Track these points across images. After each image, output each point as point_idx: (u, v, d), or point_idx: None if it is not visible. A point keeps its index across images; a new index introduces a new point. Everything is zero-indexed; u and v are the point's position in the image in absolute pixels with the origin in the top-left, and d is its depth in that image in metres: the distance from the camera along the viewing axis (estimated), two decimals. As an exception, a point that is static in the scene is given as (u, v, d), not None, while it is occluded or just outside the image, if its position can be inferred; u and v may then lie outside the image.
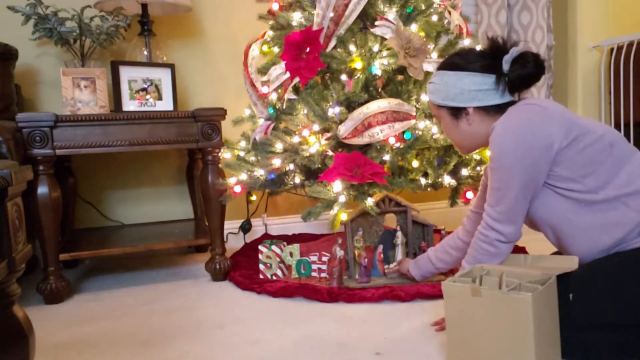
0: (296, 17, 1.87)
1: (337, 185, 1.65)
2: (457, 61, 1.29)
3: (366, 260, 1.71)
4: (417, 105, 1.78)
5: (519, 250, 2.06)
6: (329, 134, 1.74)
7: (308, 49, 1.75)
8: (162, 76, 1.93)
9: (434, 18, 1.89)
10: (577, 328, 1.12)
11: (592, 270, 1.14)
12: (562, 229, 1.21)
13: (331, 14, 1.73)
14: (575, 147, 1.15)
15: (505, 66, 1.23)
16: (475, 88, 1.25)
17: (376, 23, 1.76)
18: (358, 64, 1.75)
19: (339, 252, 1.72)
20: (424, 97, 1.78)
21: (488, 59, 1.26)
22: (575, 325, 1.11)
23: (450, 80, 1.29)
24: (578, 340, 1.12)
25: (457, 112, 1.30)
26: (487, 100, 1.26)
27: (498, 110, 1.26)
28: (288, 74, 1.79)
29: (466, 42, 1.93)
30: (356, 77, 1.76)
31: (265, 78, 1.91)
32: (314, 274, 1.82)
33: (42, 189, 1.67)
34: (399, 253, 1.77)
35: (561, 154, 1.16)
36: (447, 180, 1.79)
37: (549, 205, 1.20)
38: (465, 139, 1.33)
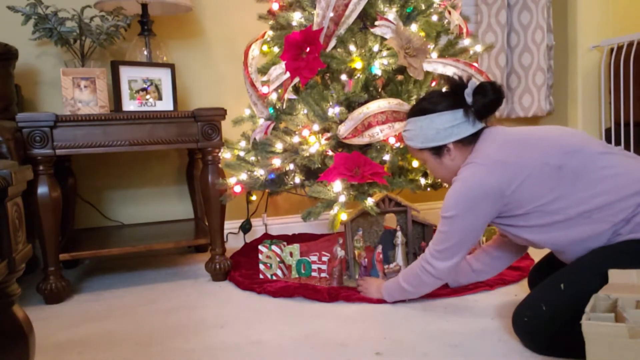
0: (296, 17, 1.87)
1: (337, 185, 1.65)
2: (425, 106, 1.42)
3: (366, 260, 1.71)
4: (417, 105, 1.77)
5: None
6: (329, 134, 1.74)
7: (308, 49, 1.75)
8: (162, 76, 1.93)
9: (434, 18, 1.89)
10: (570, 316, 1.13)
11: (579, 263, 1.22)
12: (550, 249, 1.31)
13: (331, 14, 1.73)
14: (521, 189, 1.25)
15: (468, 99, 1.36)
16: (449, 125, 1.37)
17: (376, 23, 1.76)
18: (358, 64, 1.75)
19: (340, 252, 1.72)
20: (424, 97, 1.78)
21: (451, 97, 1.39)
22: (567, 312, 1.14)
23: (424, 124, 1.41)
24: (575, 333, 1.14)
25: (438, 151, 1.42)
26: (462, 132, 1.38)
27: (472, 139, 1.39)
28: (288, 74, 1.79)
29: (466, 42, 1.94)
30: (356, 77, 1.76)
31: (265, 78, 1.91)
32: (314, 274, 1.82)
33: (42, 189, 1.67)
34: (399, 253, 1.77)
35: (511, 198, 1.26)
36: (447, 180, 1.79)
37: (528, 238, 1.30)
38: (451, 172, 1.43)
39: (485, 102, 1.33)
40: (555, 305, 1.17)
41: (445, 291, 1.62)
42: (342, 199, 1.64)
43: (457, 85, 1.38)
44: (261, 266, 1.85)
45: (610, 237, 1.19)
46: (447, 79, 1.43)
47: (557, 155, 1.24)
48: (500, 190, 1.26)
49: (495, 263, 1.57)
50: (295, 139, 1.76)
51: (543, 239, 1.27)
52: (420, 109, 1.43)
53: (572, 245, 1.24)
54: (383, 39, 1.76)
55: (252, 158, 1.94)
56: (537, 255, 1.70)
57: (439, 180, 1.78)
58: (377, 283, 1.62)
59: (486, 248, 1.58)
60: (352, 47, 1.79)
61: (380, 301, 1.59)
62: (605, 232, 1.19)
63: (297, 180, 1.83)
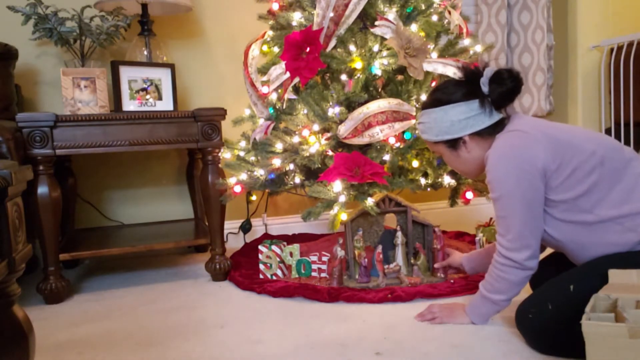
0: (296, 17, 1.87)
1: (337, 185, 1.65)
2: (439, 97, 1.35)
3: (366, 260, 1.71)
4: (417, 105, 1.78)
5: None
6: (329, 134, 1.74)
7: (308, 49, 1.75)
8: (162, 76, 1.93)
9: (434, 18, 1.89)
10: (575, 316, 1.12)
11: (592, 266, 1.19)
12: (565, 248, 1.26)
13: (331, 14, 1.73)
14: (563, 172, 1.19)
15: (484, 88, 1.27)
16: (464, 116, 1.30)
17: (376, 23, 1.76)
18: (358, 64, 1.75)
19: (340, 252, 1.72)
20: (424, 97, 1.78)
21: (466, 87, 1.31)
22: (573, 313, 1.13)
23: (438, 116, 1.34)
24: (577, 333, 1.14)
25: (454, 144, 1.35)
26: (479, 124, 1.30)
27: (492, 131, 1.30)
28: (288, 74, 1.79)
29: (466, 42, 1.94)
30: (356, 77, 1.76)
31: (265, 78, 1.91)
32: (314, 274, 1.82)
33: (42, 189, 1.67)
34: (399, 253, 1.77)
35: (551, 179, 1.19)
36: (447, 180, 1.79)
37: (547, 230, 1.25)
38: (469, 166, 1.38)
39: (502, 91, 1.25)
40: (561, 305, 1.16)
41: (445, 291, 1.62)
42: (342, 199, 1.64)
43: (472, 74, 1.30)
44: (261, 266, 1.85)
45: (632, 247, 1.16)
46: (462, 68, 1.34)
47: (604, 147, 1.18)
48: (545, 164, 1.17)
49: None
50: (295, 139, 1.76)
51: (564, 235, 1.22)
52: (434, 100, 1.36)
53: (592, 248, 1.19)
54: (383, 39, 1.76)
55: (252, 158, 1.94)
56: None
57: (441, 181, 1.78)
58: (452, 306, 1.43)
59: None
60: (352, 47, 1.79)
61: (381, 300, 1.59)
62: (631, 242, 1.15)
63: (297, 180, 1.83)
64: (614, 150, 1.20)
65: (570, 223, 1.20)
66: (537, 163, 1.18)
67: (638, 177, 1.18)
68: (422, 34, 1.84)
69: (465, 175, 1.44)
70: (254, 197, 2.39)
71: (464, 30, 1.95)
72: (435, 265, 1.74)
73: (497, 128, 1.30)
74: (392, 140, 1.72)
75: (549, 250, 1.46)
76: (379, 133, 1.68)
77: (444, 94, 1.34)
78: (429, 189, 1.83)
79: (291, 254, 1.83)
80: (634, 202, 1.16)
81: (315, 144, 1.71)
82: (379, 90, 1.82)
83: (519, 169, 1.19)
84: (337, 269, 1.71)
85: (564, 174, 1.18)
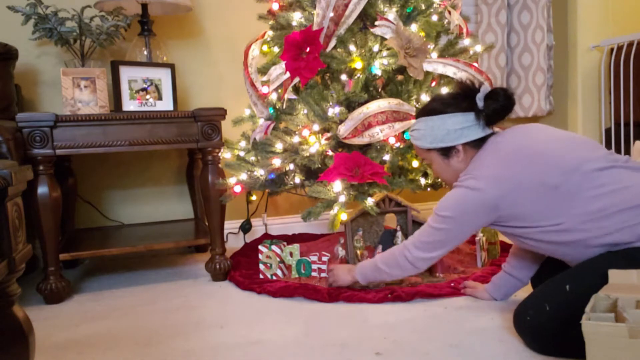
0: (296, 17, 1.87)
1: (337, 185, 1.65)
2: (436, 106, 1.42)
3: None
4: (417, 105, 1.78)
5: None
6: (329, 134, 1.74)
7: (308, 49, 1.75)
8: (162, 76, 1.93)
9: (434, 18, 1.89)
10: (573, 316, 1.13)
11: (588, 266, 1.21)
12: (553, 256, 1.33)
13: (331, 14, 1.73)
14: (516, 205, 1.26)
15: (480, 103, 1.36)
16: (460, 126, 1.38)
17: (376, 23, 1.76)
18: (358, 64, 1.75)
19: (341, 252, 1.72)
20: (424, 97, 1.78)
21: (462, 100, 1.39)
22: (570, 313, 1.13)
23: (435, 124, 1.41)
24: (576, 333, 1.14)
25: (447, 152, 1.42)
26: (472, 135, 1.38)
27: (481, 143, 1.39)
28: (288, 74, 1.79)
29: (466, 42, 1.94)
30: (356, 77, 1.76)
31: (265, 78, 1.91)
32: (314, 274, 1.82)
33: (42, 189, 1.67)
34: (399, 253, 1.77)
35: (507, 212, 1.28)
36: (447, 180, 1.79)
37: (535, 246, 1.31)
38: (458, 173, 1.42)
39: (497, 107, 1.34)
40: (558, 305, 1.17)
41: (445, 291, 1.62)
42: (342, 199, 1.64)
43: (468, 89, 1.39)
44: (261, 266, 1.85)
45: (613, 246, 1.18)
46: (459, 83, 1.43)
47: (556, 175, 1.23)
48: (496, 204, 1.27)
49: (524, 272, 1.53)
50: (295, 139, 1.76)
51: (553, 252, 1.29)
52: (431, 109, 1.43)
53: (574, 254, 1.24)
54: (383, 39, 1.76)
55: (252, 158, 1.95)
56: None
57: (441, 181, 1.78)
58: (347, 267, 1.62)
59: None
60: (352, 47, 1.79)
61: (381, 300, 1.59)
62: (597, 240, 1.19)
63: (297, 180, 1.83)
64: (572, 171, 1.22)
65: (542, 242, 1.27)
66: (486, 204, 1.28)
67: (598, 188, 1.20)
68: (422, 34, 1.84)
69: (450, 183, 1.49)
70: (254, 197, 2.39)
71: (464, 30, 1.95)
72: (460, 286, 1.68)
73: (485, 141, 1.39)
74: (392, 140, 1.72)
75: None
76: (379, 133, 1.68)
77: (442, 104, 1.41)
78: (429, 189, 1.83)
79: (291, 254, 1.83)
80: (596, 213, 1.19)
81: (315, 144, 1.71)
82: (379, 90, 1.82)
83: (469, 207, 1.31)
84: (337, 269, 1.70)
85: (517, 206, 1.26)
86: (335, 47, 1.79)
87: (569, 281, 1.19)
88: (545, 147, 1.29)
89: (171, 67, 1.95)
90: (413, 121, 1.72)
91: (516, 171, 1.27)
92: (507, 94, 1.35)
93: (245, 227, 2.42)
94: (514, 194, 1.25)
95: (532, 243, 1.30)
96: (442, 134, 1.40)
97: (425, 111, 1.45)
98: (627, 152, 2.55)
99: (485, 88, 1.36)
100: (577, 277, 1.19)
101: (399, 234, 1.77)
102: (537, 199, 1.24)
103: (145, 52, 2.07)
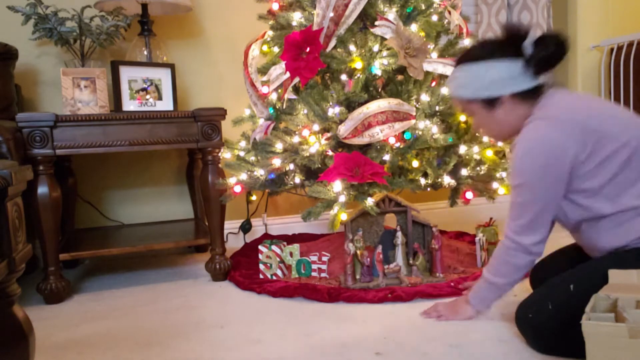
0: (296, 17, 1.87)
1: (337, 185, 1.65)
2: (479, 52, 1.28)
3: (368, 259, 1.70)
4: (417, 105, 1.78)
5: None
6: (329, 134, 1.74)
7: (308, 49, 1.75)
8: (162, 76, 1.93)
9: (434, 18, 1.89)
10: (575, 317, 1.12)
11: (592, 266, 1.20)
12: (582, 234, 1.25)
13: (331, 14, 1.73)
14: (592, 161, 1.16)
15: (529, 50, 1.22)
16: (506, 75, 1.24)
17: (376, 23, 1.76)
18: (358, 64, 1.75)
19: (352, 248, 1.69)
20: (424, 97, 1.78)
21: (509, 46, 1.24)
22: (573, 313, 1.13)
23: (477, 72, 1.27)
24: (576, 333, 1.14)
25: (491, 103, 1.28)
26: (519, 85, 1.24)
27: (531, 95, 1.25)
28: (288, 74, 1.79)
29: (466, 42, 1.93)
30: (356, 77, 1.76)
31: (265, 78, 1.91)
32: (314, 274, 1.82)
33: (42, 189, 1.67)
34: (399, 253, 1.77)
35: (579, 168, 1.17)
36: (447, 180, 1.79)
37: (568, 214, 1.23)
38: (502, 128, 1.32)
39: (547, 55, 1.20)
40: (561, 305, 1.16)
41: (445, 291, 1.62)
42: (342, 199, 1.64)
43: (515, 35, 1.23)
44: (261, 266, 1.85)
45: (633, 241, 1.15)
46: (505, 26, 1.26)
47: (633, 139, 1.14)
48: (575, 154, 1.14)
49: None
50: (295, 139, 1.76)
51: (584, 220, 1.20)
52: (473, 56, 1.28)
53: (609, 235, 1.18)
54: (383, 39, 1.76)
55: (252, 158, 1.95)
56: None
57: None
58: (455, 302, 1.43)
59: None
60: (352, 47, 1.79)
61: (381, 300, 1.58)
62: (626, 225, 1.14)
63: (297, 180, 1.83)
64: None
65: (591, 209, 1.18)
66: (566, 156, 1.15)
67: None
68: (422, 34, 1.84)
69: (494, 137, 1.38)
70: (254, 197, 2.39)
71: (464, 30, 1.95)
72: (386, 271, 1.69)
73: (535, 95, 1.25)
74: (392, 140, 1.72)
75: (548, 250, 1.46)
76: (379, 133, 1.68)
77: (484, 50, 1.27)
78: (429, 189, 1.83)
79: (291, 254, 1.83)
80: None
81: (315, 144, 1.71)
82: (379, 90, 1.82)
83: (546, 164, 1.16)
84: (350, 266, 1.69)
85: (592, 163, 1.15)
86: (335, 47, 1.79)
87: (573, 281, 1.18)
88: (618, 108, 1.23)
89: (171, 67, 1.95)
90: (413, 121, 1.72)
91: (600, 119, 1.16)
92: (559, 40, 1.20)
93: (245, 227, 2.42)
94: (595, 146, 1.14)
95: (578, 214, 1.20)
96: (486, 83, 1.25)
97: (466, 57, 1.29)
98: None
99: (534, 34, 1.22)
100: (581, 278, 1.18)
101: (399, 234, 1.77)
102: (610, 163, 1.15)
103: (145, 52, 2.07)
